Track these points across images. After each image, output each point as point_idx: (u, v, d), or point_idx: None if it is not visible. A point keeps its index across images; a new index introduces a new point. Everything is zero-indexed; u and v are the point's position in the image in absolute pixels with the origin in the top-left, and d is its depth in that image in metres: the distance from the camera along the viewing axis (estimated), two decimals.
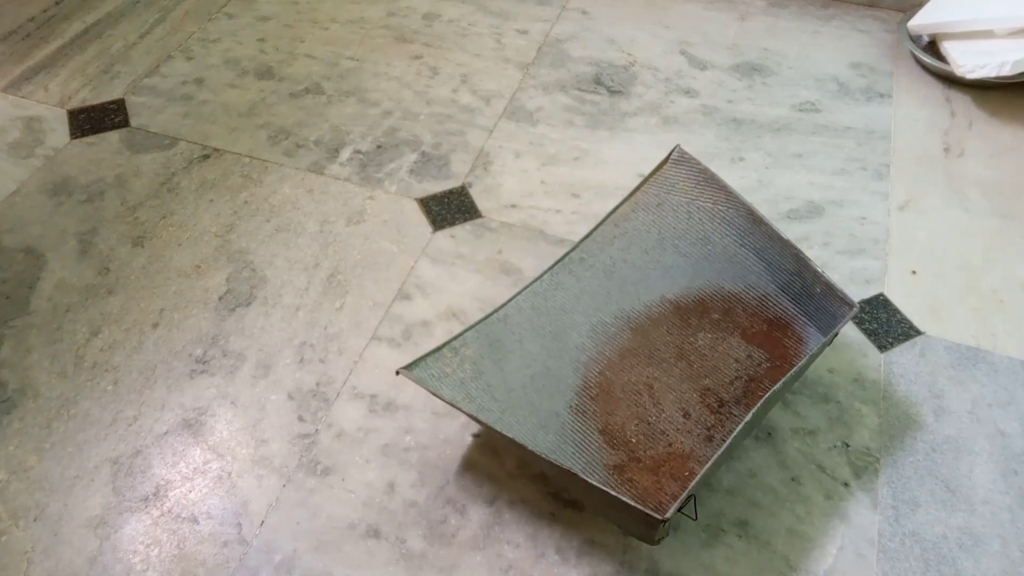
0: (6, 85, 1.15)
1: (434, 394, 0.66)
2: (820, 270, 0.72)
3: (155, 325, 0.85)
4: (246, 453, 0.74)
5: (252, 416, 0.77)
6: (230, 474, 0.73)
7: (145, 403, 0.78)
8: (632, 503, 0.56)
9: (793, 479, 0.71)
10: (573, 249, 0.80)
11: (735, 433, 0.60)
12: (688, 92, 1.10)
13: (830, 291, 0.71)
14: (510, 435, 0.62)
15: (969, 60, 1.02)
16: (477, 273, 0.88)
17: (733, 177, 0.97)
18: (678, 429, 0.70)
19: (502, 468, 0.72)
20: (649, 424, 0.71)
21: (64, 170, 1.02)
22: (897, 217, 0.92)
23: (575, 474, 0.58)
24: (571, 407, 0.72)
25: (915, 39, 1.12)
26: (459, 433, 0.75)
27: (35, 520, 0.71)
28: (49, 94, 1.13)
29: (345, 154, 1.03)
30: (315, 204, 0.97)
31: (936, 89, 1.08)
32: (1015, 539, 0.67)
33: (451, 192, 0.97)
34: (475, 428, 0.75)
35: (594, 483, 0.57)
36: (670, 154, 0.82)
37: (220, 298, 0.87)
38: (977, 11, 1.04)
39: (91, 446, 0.75)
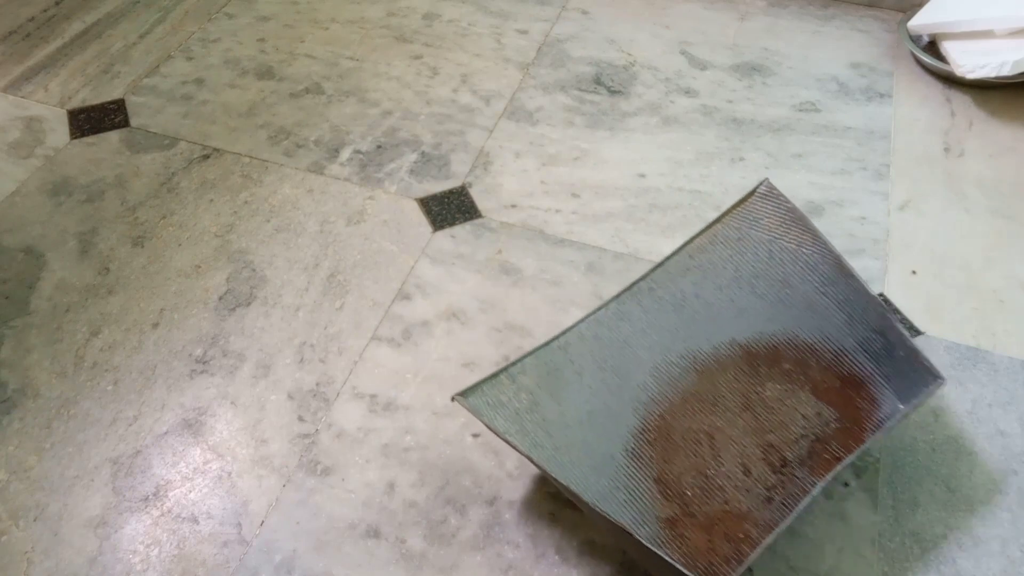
0: (6, 85, 1.15)
1: (488, 426, 0.64)
2: (906, 333, 0.68)
3: (155, 325, 0.85)
4: (246, 453, 0.74)
5: (252, 416, 0.77)
6: (230, 474, 0.73)
7: (145, 403, 0.78)
8: (686, 573, 0.53)
9: None
10: (643, 278, 0.76)
11: (800, 507, 0.57)
12: (688, 92, 1.10)
13: (915, 358, 0.67)
14: (562, 478, 0.60)
15: (969, 60, 1.03)
16: (477, 273, 0.88)
17: (733, 177, 0.97)
18: (736, 486, 0.67)
19: (502, 468, 0.72)
20: (707, 477, 0.67)
21: (64, 170, 1.02)
22: (897, 217, 0.92)
23: (629, 532, 0.56)
24: (627, 451, 0.69)
25: (915, 39, 1.12)
26: (459, 433, 0.75)
27: (35, 520, 0.71)
28: (49, 94, 1.13)
29: (345, 154, 1.03)
30: (315, 204, 0.97)
31: (936, 89, 1.08)
32: (1015, 539, 0.67)
33: (451, 192, 0.97)
34: (476, 428, 0.75)
35: (651, 546, 0.55)
36: (757, 187, 0.77)
37: (220, 298, 0.87)
38: (977, 11, 1.04)
39: (91, 446, 0.75)
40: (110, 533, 0.69)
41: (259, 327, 0.84)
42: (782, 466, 0.68)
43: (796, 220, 0.75)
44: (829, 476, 0.60)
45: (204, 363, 0.81)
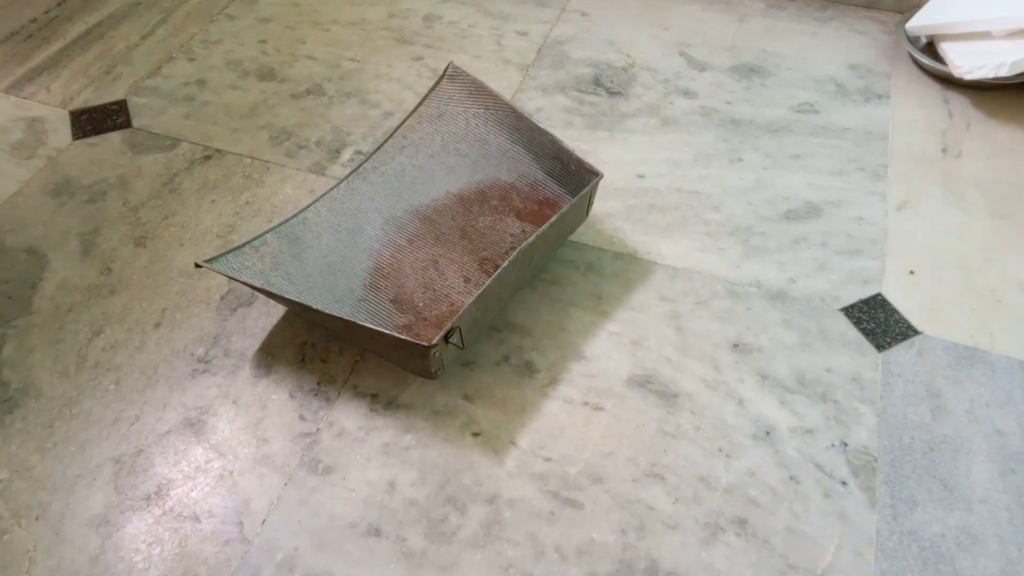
0: (8, 86, 1.16)
1: (233, 278, 0.75)
2: (572, 149, 0.84)
3: (157, 325, 0.85)
4: (248, 452, 0.75)
5: (254, 415, 0.77)
6: (232, 473, 0.73)
7: (147, 402, 0.79)
8: (402, 337, 0.67)
9: (791, 478, 0.71)
10: (366, 160, 0.90)
11: (495, 275, 0.71)
12: (687, 93, 1.10)
13: (581, 166, 0.83)
14: (303, 303, 0.72)
15: (967, 61, 1.03)
16: None
17: (732, 178, 0.98)
18: (459, 292, 0.82)
19: (502, 467, 0.73)
20: (434, 291, 0.82)
21: (66, 171, 1.02)
22: (895, 217, 0.93)
23: (358, 324, 0.69)
24: (365, 285, 0.83)
25: (913, 40, 1.13)
26: (459, 432, 0.75)
27: (37, 519, 0.71)
28: (51, 95, 1.14)
29: (346, 155, 1.03)
30: None
31: (934, 90, 1.09)
32: (1013, 538, 0.67)
33: None
34: (475, 427, 0.75)
35: (372, 326, 0.68)
36: (445, 71, 0.93)
37: (222, 298, 0.87)
38: (975, 12, 1.04)
39: (93, 445, 0.76)
40: (112, 532, 0.70)
41: (260, 327, 0.84)
42: (495, 271, 0.81)
43: (481, 89, 0.92)
44: (523, 245, 0.73)
45: (206, 362, 0.82)
